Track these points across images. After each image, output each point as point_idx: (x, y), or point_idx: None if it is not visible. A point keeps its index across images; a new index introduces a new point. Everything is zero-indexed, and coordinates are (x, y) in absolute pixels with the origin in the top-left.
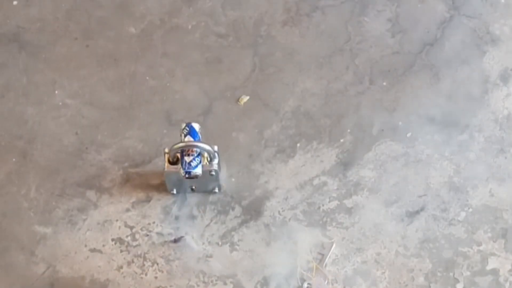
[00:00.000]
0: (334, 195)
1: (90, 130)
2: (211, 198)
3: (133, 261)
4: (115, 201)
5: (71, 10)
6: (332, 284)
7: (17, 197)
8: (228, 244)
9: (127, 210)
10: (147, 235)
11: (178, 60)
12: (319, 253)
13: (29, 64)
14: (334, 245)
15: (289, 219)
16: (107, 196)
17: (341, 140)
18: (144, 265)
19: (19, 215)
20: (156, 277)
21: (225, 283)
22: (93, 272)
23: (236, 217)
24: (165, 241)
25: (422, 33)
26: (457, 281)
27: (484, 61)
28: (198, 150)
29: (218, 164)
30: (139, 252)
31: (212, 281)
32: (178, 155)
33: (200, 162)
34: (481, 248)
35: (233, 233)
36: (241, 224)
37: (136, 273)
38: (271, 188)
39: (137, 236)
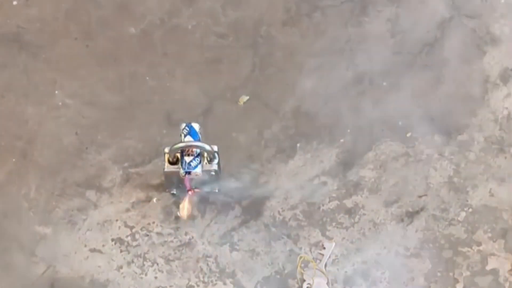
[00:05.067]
0: (334, 195)
1: (90, 130)
2: (211, 198)
3: (133, 261)
4: (115, 201)
5: (71, 10)
6: (332, 284)
7: (17, 197)
8: (228, 244)
9: (127, 210)
10: (147, 235)
11: (178, 60)
12: (319, 253)
13: (29, 64)
14: (334, 245)
15: (289, 219)
16: (107, 196)
17: (341, 140)
18: (144, 265)
19: (19, 215)
20: (156, 277)
21: (225, 283)
22: (93, 272)
23: (236, 217)
24: (165, 241)
25: (422, 33)
26: (457, 281)
27: (484, 61)
28: (198, 150)
29: (218, 164)
30: (139, 252)
31: (212, 281)
32: (178, 155)
33: (200, 162)
34: (481, 248)
35: (233, 233)
36: (241, 224)
37: (136, 273)
38: (271, 188)
39: (137, 236)
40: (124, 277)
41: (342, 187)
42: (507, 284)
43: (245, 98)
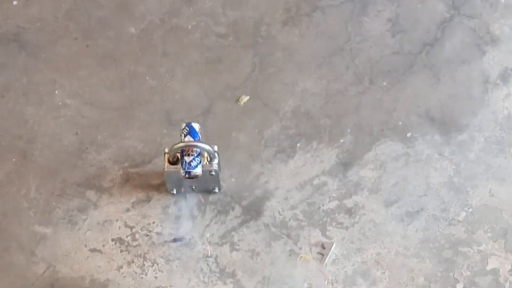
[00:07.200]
0: (334, 195)
1: (90, 130)
2: (211, 198)
3: (133, 261)
4: (115, 201)
5: (71, 10)
6: (332, 284)
7: (17, 197)
8: (228, 244)
9: (127, 210)
10: (147, 235)
11: (178, 60)
12: (319, 253)
13: (29, 64)
14: (334, 245)
15: (289, 219)
16: (107, 196)
17: (341, 140)
18: (144, 265)
19: (19, 215)
20: (156, 277)
21: (225, 283)
22: (93, 272)
23: (236, 217)
24: (165, 241)
25: (422, 33)
26: (457, 281)
27: (484, 61)
28: (198, 150)
29: (218, 164)
30: (139, 252)
31: (212, 281)
32: (178, 155)
33: (200, 162)
34: (481, 248)
35: (233, 233)
36: (241, 224)
37: (136, 273)
38: (271, 188)
39: (137, 236)
40: (124, 277)
41: (342, 187)
42: (507, 284)
43: (245, 98)
